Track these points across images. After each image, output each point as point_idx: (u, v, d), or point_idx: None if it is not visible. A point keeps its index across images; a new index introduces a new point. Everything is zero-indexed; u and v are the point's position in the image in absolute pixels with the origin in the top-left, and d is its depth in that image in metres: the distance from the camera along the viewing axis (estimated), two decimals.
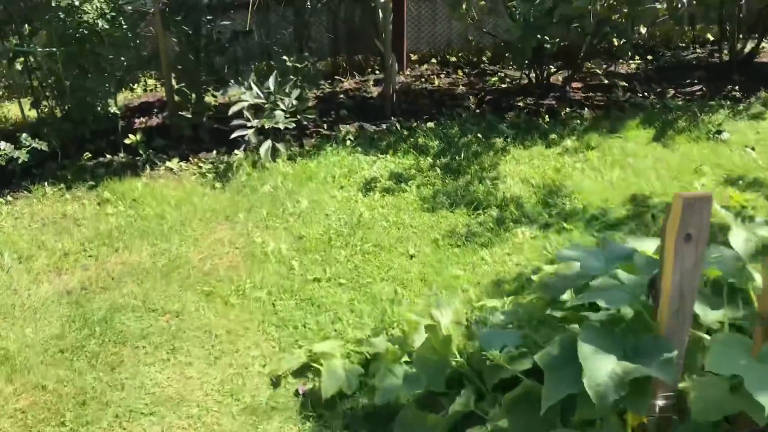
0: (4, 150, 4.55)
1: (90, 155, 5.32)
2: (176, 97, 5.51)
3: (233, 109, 5.13)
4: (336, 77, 7.10)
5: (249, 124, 5.06)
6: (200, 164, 5.28)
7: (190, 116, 5.51)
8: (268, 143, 5.06)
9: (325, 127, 5.87)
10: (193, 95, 5.48)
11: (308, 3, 5.74)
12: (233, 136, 5.04)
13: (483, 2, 5.78)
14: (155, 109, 6.29)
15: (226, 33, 5.55)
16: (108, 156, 5.38)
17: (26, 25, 4.82)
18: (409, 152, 5.44)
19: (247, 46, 5.99)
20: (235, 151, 5.37)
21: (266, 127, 5.10)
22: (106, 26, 4.57)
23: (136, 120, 6.08)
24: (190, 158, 5.40)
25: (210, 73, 5.65)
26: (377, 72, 7.31)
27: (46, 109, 5.13)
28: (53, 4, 4.36)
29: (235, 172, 5.10)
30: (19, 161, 4.59)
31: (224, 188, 4.98)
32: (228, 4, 5.51)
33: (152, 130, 5.80)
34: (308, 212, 4.62)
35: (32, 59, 4.96)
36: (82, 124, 5.15)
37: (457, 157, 5.33)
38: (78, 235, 4.43)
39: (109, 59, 4.81)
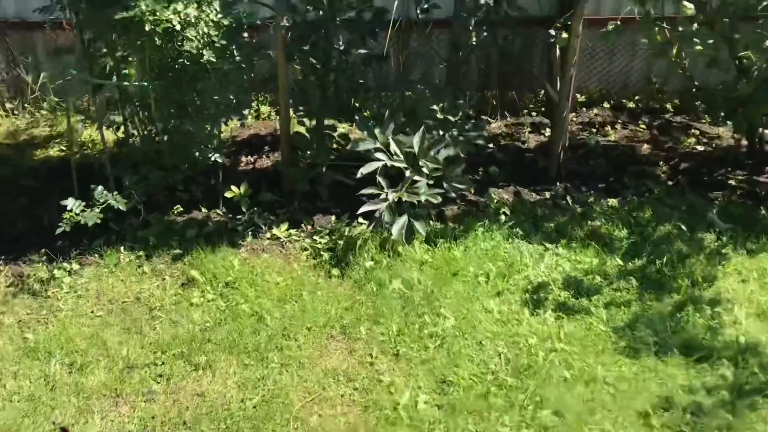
0: (71, 212, 3.51)
1: (181, 209, 4.24)
2: (292, 142, 4.36)
3: (363, 170, 3.90)
4: (482, 116, 5.76)
5: (382, 195, 3.82)
6: (314, 235, 4.10)
7: (306, 169, 4.33)
8: (403, 220, 3.80)
9: (473, 191, 4.55)
10: (315, 143, 4.30)
11: (471, 33, 4.41)
12: (362, 210, 3.82)
13: (699, 48, 4.27)
14: (266, 146, 5.17)
15: (358, 63, 4.33)
16: (203, 210, 4.30)
17: (118, 49, 3.77)
18: (588, 244, 4.04)
19: (382, 82, 4.75)
20: (360, 219, 4.16)
21: (403, 200, 3.85)
22: (213, 59, 3.43)
23: (243, 159, 4.98)
24: (302, 223, 4.23)
25: (337, 113, 4.47)
26: (533, 113, 5.92)
27: (133, 155, 4.08)
28: (147, 28, 3.26)
29: (357, 254, 3.88)
30: (91, 221, 3.54)
31: (342, 277, 3.77)
32: (366, 28, 4.27)
33: (260, 177, 4.68)
34: (454, 335, 3.34)
35: (121, 92, 3.91)
36: (175, 171, 4.07)
37: (656, 261, 3.90)
38: (151, 335, 3.34)
39: (214, 99, 3.68)
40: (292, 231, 4.16)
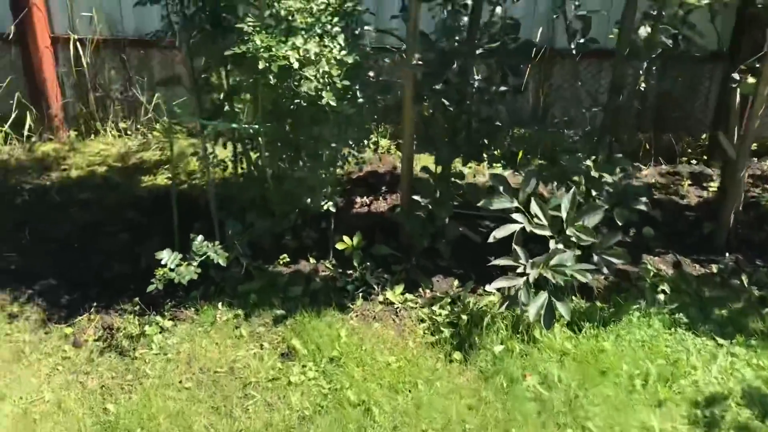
0: (165, 267, 3.12)
1: (287, 258, 3.79)
2: (413, 189, 3.82)
3: (497, 233, 3.31)
4: (634, 163, 4.97)
5: (519, 269, 3.19)
6: (433, 304, 3.53)
7: (428, 223, 3.76)
8: (542, 299, 3.16)
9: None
10: (439, 193, 3.73)
11: (641, 76, 3.69)
12: (495, 286, 3.21)
13: None
14: (384, 186, 4.65)
15: (495, 101, 3.71)
16: (311, 260, 3.83)
17: (228, 84, 3.36)
18: None
19: (516, 118, 4.11)
20: (487, 287, 3.56)
21: (544, 276, 3.20)
22: (333, 102, 2.93)
23: (358, 199, 4.48)
24: (421, 286, 3.67)
25: (467, 155, 3.89)
26: (693, 161, 5.09)
27: (239, 196, 3.66)
28: (261, 66, 2.80)
29: (483, 335, 3.28)
30: (185, 278, 3.14)
31: (465, 363, 3.18)
32: (510, 62, 3.66)
33: (375, 224, 4.16)
34: None
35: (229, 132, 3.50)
36: (283, 218, 3.62)
37: None
38: (242, 420, 2.90)
39: (332, 145, 3.19)
40: (408, 296, 3.61)
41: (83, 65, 5.18)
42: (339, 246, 3.81)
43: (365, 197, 4.53)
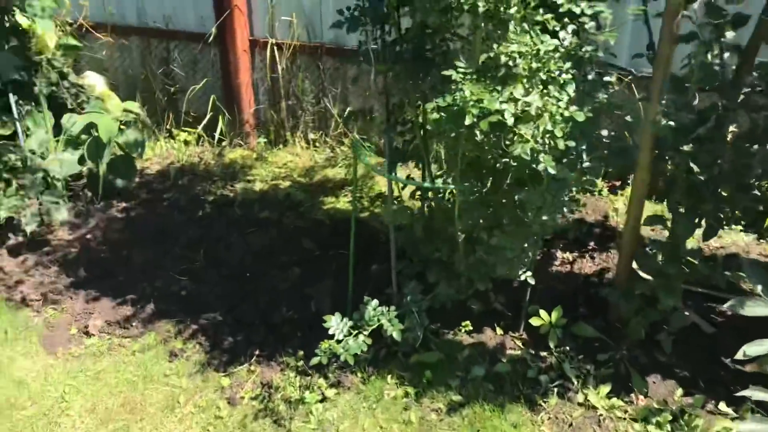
0: (332, 340, 2.70)
1: (470, 327, 3.24)
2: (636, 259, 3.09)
3: (749, 349, 2.50)
4: None
5: None
6: (648, 417, 2.81)
7: (648, 308, 3.03)
8: None
9: None
10: (671, 271, 2.98)
11: None
12: (745, 393, 2.43)
13: None
14: (592, 241, 3.93)
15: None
16: (498, 331, 3.25)
17: (425, 130, 2.85)
18: None
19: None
20: (720, 406, 2.78)
21: None
22: (552, 169, 2.31)
23: (558, 254, 3.81)
24: (632, 387, 2.95)
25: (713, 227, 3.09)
26: None
27: (421, 250, 3.17)
28: (468, 121, 2.24)
29: None
30: (352, 353, 2.70)
31: None
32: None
33: (576, 291, 3.48)
34: None
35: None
36: (470, 285, 3.07)
37: None
38: None
39: (541, 217, 2.57)
40: (615, 400, 2.90)
41: (278, 71, 4.95)
42: (534, 322, 3.19)
43: (568, 252, 3.84)
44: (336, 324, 2.75)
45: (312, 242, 4.02)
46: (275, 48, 4.90)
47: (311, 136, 5.14)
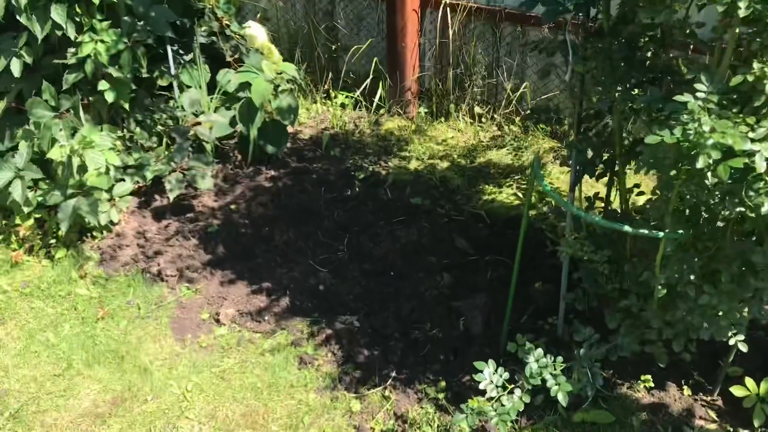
0: (483, 397, 2.24)
1: (651, 383, 2.66)
2: None
3: None
4: None
5: None
6: None
7: None
8: None
9: None
10: None
11: None
12: None
13: None
14: None
15: None
16: (685, 390, 2.66)
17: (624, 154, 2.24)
18: None
19: None
20: None
21: None
22: None
23: None
24: None
25: None
26: None
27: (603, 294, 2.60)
28: (701, 163, 1.63)
29: None
30: (508, 417, 2.24)
31: None
32: None
33: None
34: None
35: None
36: (658, 342, 2.48)
37: None
38: None
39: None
40: None
41: (448, 36, 4.40)
42: (736, 391, 2.54)
43: None
44: (488, 377, 2.27)
45: (466, 242, 3.54)
46: (448, 9, 4.35)
47: (477, 110, 4.58)
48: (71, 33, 3.25)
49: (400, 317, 3.09)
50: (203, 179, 3.69)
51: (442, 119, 4.65)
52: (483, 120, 4.59)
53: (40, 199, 3.40)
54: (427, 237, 3.56)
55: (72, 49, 3.36)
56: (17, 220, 3.52)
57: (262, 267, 3.42)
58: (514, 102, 4.42)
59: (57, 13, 3.14)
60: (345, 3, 4.79)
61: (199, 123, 3.83)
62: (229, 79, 4.16)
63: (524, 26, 4.21)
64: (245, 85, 4.02)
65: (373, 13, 4.71)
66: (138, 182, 3.72)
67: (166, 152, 3.79)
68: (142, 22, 3.42)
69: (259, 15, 5.12)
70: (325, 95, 4.98)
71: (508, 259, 3.41)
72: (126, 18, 3.40)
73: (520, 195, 3.92)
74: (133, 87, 3.61)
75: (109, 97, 3.43)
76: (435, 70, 4.63)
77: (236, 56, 4.45)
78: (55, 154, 3.09)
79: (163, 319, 3.15)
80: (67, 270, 3.42)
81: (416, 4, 4.43)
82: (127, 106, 3.58)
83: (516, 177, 4.10)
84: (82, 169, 3.26)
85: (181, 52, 4.10)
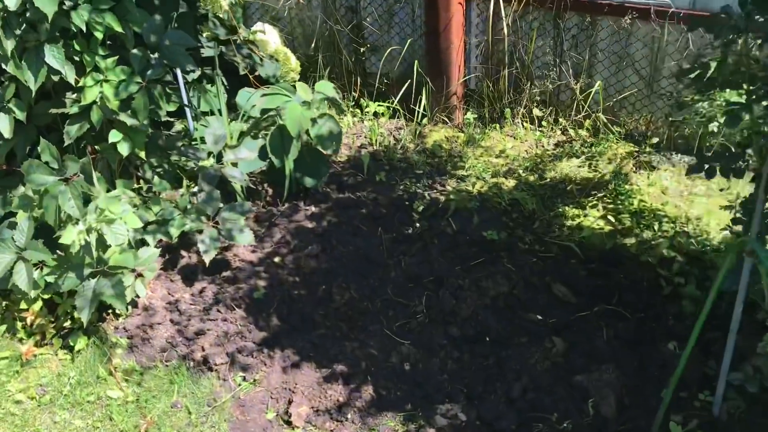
0: None
1: None
2: None
3: None
4: None
5: None
6: None
7: None
8: None
9: None
10: None
11: None
12: None
13: None
14: None
15: None
16: None
17: None
18: None
19: None
20: None
21: None
22: None
23: None
24: None
25: None
26: None
27: None
28: None
29: None
30: None
31: None
32: None
33: None
34: None
35: None
36: None
37: None
38: None
39: None
40: None
41: (502, 29, 3.77)
42: None
43: None
44: None
45: (566, 288, 2.97)
46: (500, 0, 3.71)
47: (536, 112, 3.98)
48: (71, 77, 2.58)
49: (512, 402, 2.53)
50: (241, 233, 3.07)
51: (496, 126, 4.04)
52: (544, 124, 3.99)
53: (48, 278, 2.76)
54: (518, 285, 2.99)
55: (72, 95, 2.69)
56: (22, 305, 2.89)
57: (327, 340, 2.83)
58: (580, 102, 3.81)
59: (53, 56, 2.46)
60: None
61: (222, 164, 3.19)
62: (254, 103, 3.50)
63: (594, 16, 3.59)
64: (273, 110, 3.38)
65: (407, 7, 4.04)
66: (161, 239, 3.09)
67: (191, 200, 3.15)
68: (156, 54, 2.73)
69: (268, 15, 4.43)
70: (353, 103, 4.33)
71: (620, 309, 2.85)
72: (135, 51, 2.72)
73: (610, 218, 3.34)
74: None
75: (123, 149, 2.78)
76: (485, 71, 3.99)
77: (250, 64, 3.80)
78: (70, 237, 2.45)
79: (222, 425, 2.57)
80: (91, 364, 2.80)
81: None
82: (143, 154, 2.92)
83: (599, 195, 3.52)
84: (101, 243, 2.62)
85: (189, 68, 3.42)
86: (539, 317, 2.84)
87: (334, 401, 2.59)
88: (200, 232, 3.01)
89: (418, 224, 3.39)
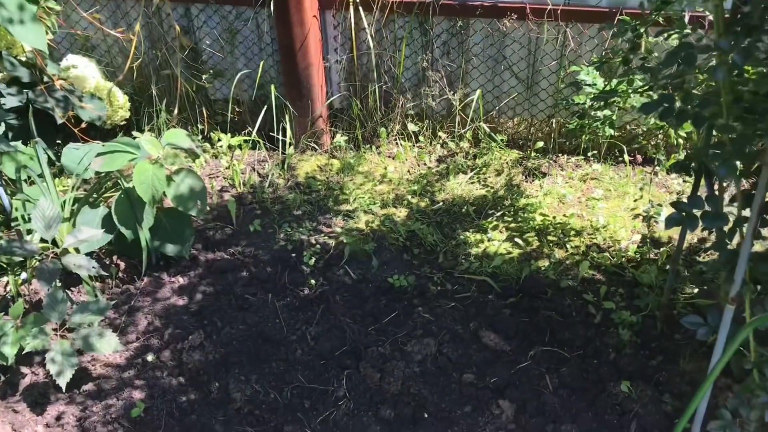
0: None
1: None
2: None
3: None
4: None
5: None
6: None
7: None
8: None
9: None
10: None
11: None
12: None
13: None
14: None
15: None
16: None
17: None
18: None
19: None
20: None
21: None
22: None
23: None
24: None
25: None
26: None
27: None
28: None
29: None
30: None
31: None
32: None
33: None
34: None
35: None
36: None
37: None
38: None
39: None
40: None
41: (365, 43, 3.36)
42: None
43: None
44: None
45: (493, 332, 2.66)
46: (360, 8, 3.29)
47: (411, 127, 3.63)
48: None
49: None
50: (102, 339, 2.43)
51: (371, 147, 3.64)
52: (421, 139, 3.65)
53: None
54: (444, 341, 2.63)
55: None
56: None
57: None
58: (458, 112, 3.51)
59: None
60: (207, 14, 3.52)
61: (57, 253, 2.52)
62: (87, 165, 2.83)
63: (465, 19, 3.27)
64: (112, 173, 2.74)
65: (251, 24, 3.49)
66: None
67: (25, 306, 2.45)
68: None
69: (79, 44, 3.68)
70: (200, 137, 3.73)
71: (557, 348, 2.59)
72: None
73: (517, 240, 3.08)
74: None
75: None
76: (351, 88, 3.56)
77: (67, 110, 3.11)
78: None
79: None
80: None
81: (315, 7, 3.31)
82: None
83: (497, 214, 3.24)
84: None
85: None
86: (476, 378, 2.50)
87: None
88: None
89: (313, 281, 2.92)
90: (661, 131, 3.31)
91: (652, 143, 3.41)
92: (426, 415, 2.40)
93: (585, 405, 2.38)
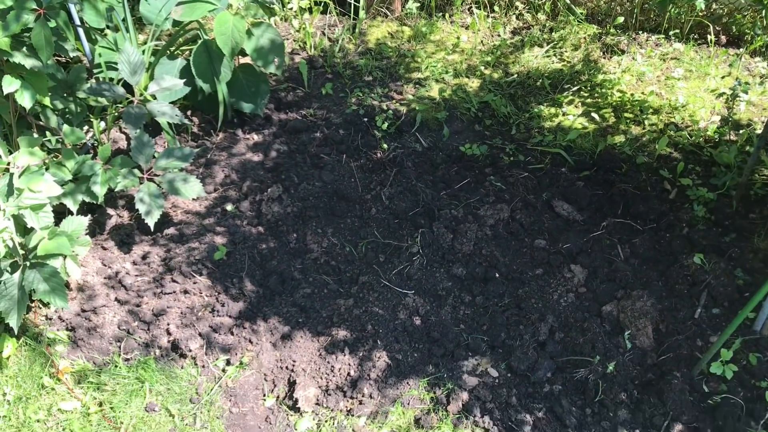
0: None
1: None
2: None
3: None
4: None
5: None
6: None
7: None
8: None
9: None
10: None
11: None
12: None
13: None
14: None
15: None
16: None
17: None
18: None
19: None
20: None
21: None
22: None
23: None
24: None
25: None
26: None
27: None
28: None
29: None
30: None
31: None
32: None
33: None
34: None
35: None
36: None
37: None
38: None
39: None
40: None
41: None
42: None
43: None
44: None
45: (566, 202, 2.68)
46: None
47: None
48: None
49: (542, 346, 2.27)
50: (186, 184, 2.50)
51: (443, 15, 3.55)
52: (496, 9, 3.54)
53: None
54: (516, 208, 2.66)
55: None
56: None
57: (315, 301, 2.41)
58: None
59: None
60: None
61: (143, 98, 2.55)
62: (166, 14, 2.82)
63: None
64: (191, 23, 2.73)
65: None
66: (83, 201, 2.48)
67: (122, 161, 2.52)
68: None
69: None
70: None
71: (629, 221, 2.61)
72: None
73: (593, 115, 3.04)
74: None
75: (25, 100, 2.10)
76: None
77: None
78: None
79: (214, 424, 2.14)
80: (29, 372, 2.25)
81: None
82: (47, 101, 2.25)
83: (573, 88, 3.18)
84: (22, 229, 2.02)
85: None
86: (548, 244, 2.54)
87: (343, 375, 2.22)
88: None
89: (385, 145, 2.94)
90: (751, 9, 3.16)
91: (742, 23, 3.26)
92: (497, 275, 2.46)
93: (656, 274, 2.42)
